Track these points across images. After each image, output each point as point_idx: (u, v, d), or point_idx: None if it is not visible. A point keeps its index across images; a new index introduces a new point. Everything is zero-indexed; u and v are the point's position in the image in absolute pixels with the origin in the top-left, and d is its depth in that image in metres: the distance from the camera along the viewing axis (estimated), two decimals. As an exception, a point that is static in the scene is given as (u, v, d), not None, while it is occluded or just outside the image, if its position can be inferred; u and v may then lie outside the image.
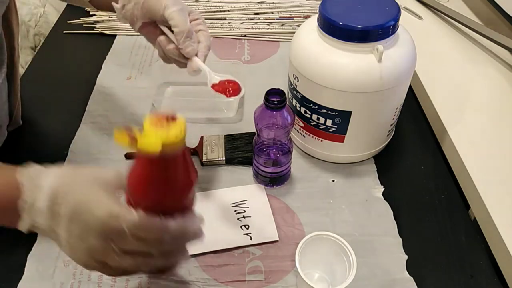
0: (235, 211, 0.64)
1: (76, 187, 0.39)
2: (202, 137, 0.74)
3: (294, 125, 0.70)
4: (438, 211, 0.65)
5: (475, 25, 0.90)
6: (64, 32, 1.01)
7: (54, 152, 0.74)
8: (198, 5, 1.04)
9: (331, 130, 0.66)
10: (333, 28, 0.58)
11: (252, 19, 1.02)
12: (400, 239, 0.61)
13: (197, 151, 0.72)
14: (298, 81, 0.64)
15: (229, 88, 0.58)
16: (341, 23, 0.57)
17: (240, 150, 0.72)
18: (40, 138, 0.78)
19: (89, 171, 0.41)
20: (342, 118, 0.63)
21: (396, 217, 0.64)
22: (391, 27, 0.57)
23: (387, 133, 0.70)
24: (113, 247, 0.38)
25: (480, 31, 0.88)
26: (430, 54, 0.87)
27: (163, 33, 0.59)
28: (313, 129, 0.67)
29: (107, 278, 0.56)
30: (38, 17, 1.21)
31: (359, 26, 0.56)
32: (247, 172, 0.70)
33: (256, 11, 1.03)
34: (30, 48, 1.21)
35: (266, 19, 1.02)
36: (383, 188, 0.68)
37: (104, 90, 0.85)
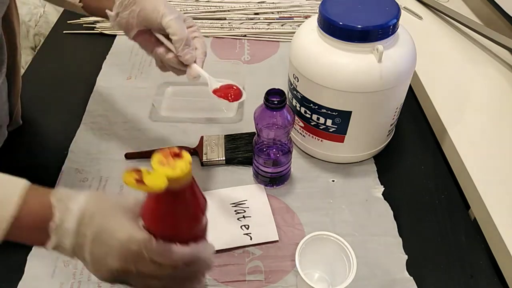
0: (235, 211, 0.64)
1: (100, 212, 0.41)
2: (202, 137, 0.74)
3: (294, 125, 0.70)
4: (438, 211, 0.65)
5: (475, 25, 0.90)
6: (64, 32, 1.01)
7: (54, 152, 0.74)
8: (198, 5, 1.04)
9: (331, 130, 0.66)
10: (333, 28, 0.58)
11: (252, 19, 1.02)
12: (400, 239, 0.61)
13: (197, 151, 0.72)
14: (298, 81, 0.64)
15: (230, 93, 0.58)
16: (341, 23, 0.57)
17: (240, 150, 0.72)
18: (40, 138, 0.78)
19: (113, 198, 0.43)
20: (342, 118, 0.63)
21: (396, 217, 0.64)
22: (391, 27, 0.57)
23: (387, 133, 0.70)
24: (132, 269, 0.41)
25: (480, 31, 0.88)
26: (430, 54, 0.87)
27: (158, 41, 0.59)
28: (313, 129, 0.67)
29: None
30: (38, 17, 1.21)
31: (359, 26, 0.56)
32: (247, 172, 0.70)
33: (256, 11, 1.03)
34: (30, 48, 1.21)
35: (266, 19, 1.02)
36: (383, 188, 0.68)
37: (104, 90, 0.85)
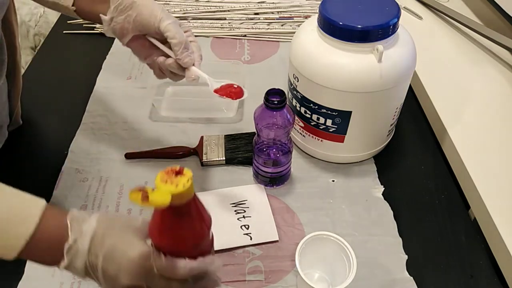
0: (235, 211, 0.64)
1: (111, 232, 0.43)
2: (202, 137, 0.74)
3: (294, 125, 0.70)
4: (438, 211, 0.65)
5: (475, 25, 0.90)
6: (64, 32, 1.01)
7: (54, 152, 0.74)
8: (198, 5, 1.04)
9: (331, 130, 0.66)
10: (333, 28, 0.58)
11: (252, 19, 1.02)
12: (400, 239, 0.61)
13: (197, 151, 0.72)
14: (298, 81, 0.64)
15: (232, 92, 0.58)
16: (341, 23, 0.57)
17: (240, 150, 0.72)
18: (40, 138, 0.78)
19: (122, 219, 0.46)
20: (342, 118, 0.63)
21: (396, 217, 0.64)
22: (391, 27, 0.57)
23: (387, 133, 0.70)
24: (144, 285, 0.43)
25: (480, 31, 0.88)
26: (430, 54, 0.87)
27: (152, 46, 0.58)
28: (313, 129, 0.67)
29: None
30: (38, 17, 1.22)
31: (359, 26, 0.56)
32: (247, 172, 0.70)
33: (256, 11, 1.03)
34: (30, 48, 1.21)
35: (266, 19, 1.02)
36: (383, 188, 0.68)
37: (104, 90, 0.85)
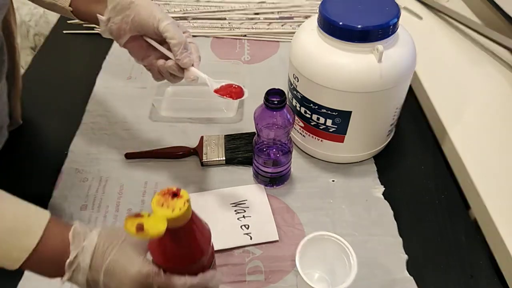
0: (235, 211, 0.65)
1: (112, 248, 0.44)
2: (202, 137, 0.74)
3: (294, 125, 0.70)
4: (438, 211, 0.65)
5: (475, 25, 0.90)
6: (64, 32, 1.01)
7: (54, 152, 0.74)
8: (198, 5, 1.04)
9: (331, 130, 0.66)
10: (333, 28, 0.58)
11: (252, 19, 1.02)
12: (400, 239, 0.61)
13: (197, 151, 0.72)
14: (298, 81, 0.64)
15: (232, 91, 0.58)
16: (341, 23, 0.57)
17: (240, 150, 0.72)
18: (40, 138, 0.78)
19: (123, 234, 0.45)
20: (342, 118, 0.63)
21: (396, 217, 0.64)
22: (391, 27, 0.57)
23: (387, 133, 0.70)
24: None
25: (480, 31, 0.88)
26: (430, 54, 0.87)
27: (150, 47, 0.58)
28: (313, 129, 0.67)
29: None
30: (38, 17, 1.22)
31: (359, 26, 0.56)
32: (247, 172, 0.70)
33: (256, 11, 1.03)
34: (30, 48, 1.21)
35: (266, 19, 1.02)
36: (383, 188, 0.68)
37: (104, 90, 0.85)
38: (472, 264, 0.59)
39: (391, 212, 0.65)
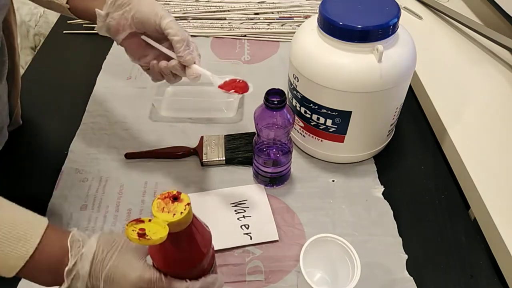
0: (235, 211, 0.65)
1: (111, 254, 0.43)
2: (202, 137, 0.74)
3: (294, 125, 0.70)
4: (438, 211, 0.65)
5: (475, 25, 0.90)
6: (64, 32, 1.01)
7: (54, 152, 0.74)
8: (198, 5, 1.04)
9: (331, 130, 0.66)
10: (333, 28, 0.58)
11: (252, 19, 1.02)
12: (400, 239, 0.61)
13: (197, 151, 0.72)
14: (298, 81, 0.64)
15: (237, 86, 0.57)
16: (341, 23, 0.57)
17: (240, 150, 0.72)
18: (40, 138, 0.78)
19: (122, 239, 0.45)
20: (342, 118, 0.63)
21: (396, 217, 0.64)
22: (391, 27, 0.57)
23: (387, 133, 0.70)
24: None
25: (480, 31, 0.88)
26: (430, 54, 0.87)
27: (148, 46, 0.58)
28: (313, 129, 0.67)
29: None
30: (38, 17, 1.22)
31: (359, 26, 0.56)
32: (247, 172, 0.70)
33: (256, 11, 1.03)
34: (30, 48, 1.21)
35: (266, 19, 1.02)
36: (383, 188, 0.68)
37: (104, 90, 0.85)
38: (472, 264, 0.59)
39: (391, 212, 0.65)
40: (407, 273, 0.58)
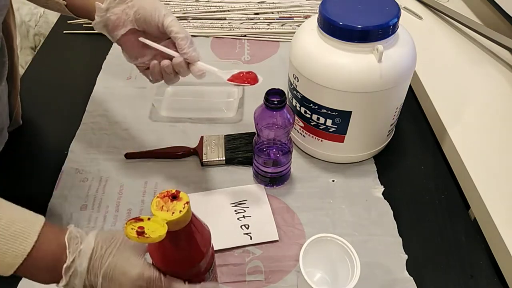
0: (235, 211, 0.64)
1: (110, 251, 0.43)
2: (202, 137, 0.74)
3: (294, 125, 0.70)
4: (438, 211, 0.65)
5: (475, 25, 0.90)
6: (64, 32, 1.01)
7: (54, 152, 0.74)
8: (198, 5, 1.04)
9: (331, 130, 0.66)
10: (333, 28, 0.58)
11: (252, 19, 1.02)
12: (400, 239, 0.61)
13: (197, 151, 0.72)
14: (298, 81, 0.64)
15: (248, 77, 0.56)
16: (341, 23, 0.57)
17: (240, 150, 0.72)
18: (40, 138, 0.78)
19: (120, 236, 0.45)
20: (342, 118, 0.63)
21: (396, 217, 0.64)
22: (391, 27, 0.57)
23: (387, 133, 0.70)
24: None
25: (480, 31, 0.88)
26: (430, 54, 0.87)
27: (145, 46, 0.57)
28: (313, 129, 0.67)
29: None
30: (38, 17, 1.22)
31: (359, 26, 0.56)
32: (247, 172, 0.70)
33: (256, 11, 1.03)
34: (30, 48, 1.21)
35: (266, 19, 1.02)
36: (383, 188, 0.68)
37: (104, 90, 0.85)
38: (472, 264, 0.59)
39: (391, 212, 0.65)
40: (407, 273, 0.58)
